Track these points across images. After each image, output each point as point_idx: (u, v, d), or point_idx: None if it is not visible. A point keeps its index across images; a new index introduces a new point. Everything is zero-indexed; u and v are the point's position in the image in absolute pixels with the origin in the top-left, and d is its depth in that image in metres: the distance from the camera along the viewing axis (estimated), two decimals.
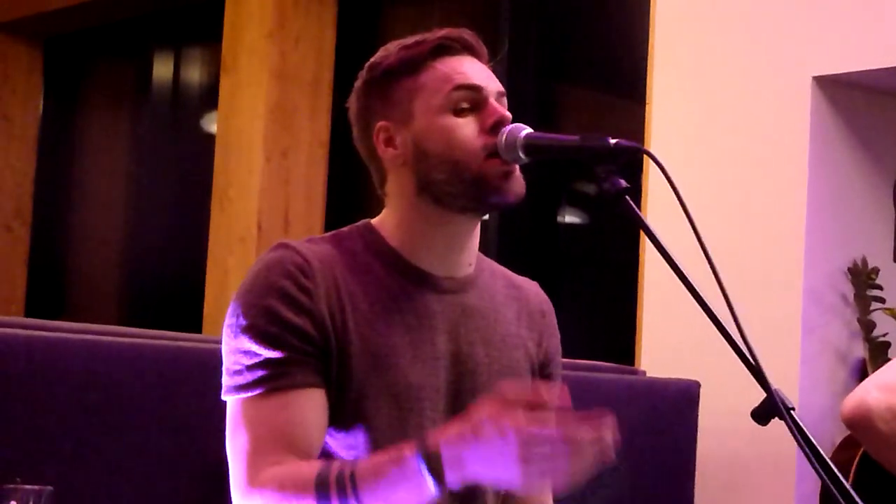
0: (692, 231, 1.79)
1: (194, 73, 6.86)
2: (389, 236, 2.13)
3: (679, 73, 4.30)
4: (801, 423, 1.66)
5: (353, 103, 2.19)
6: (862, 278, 3.96)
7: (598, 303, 5.18)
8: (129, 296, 6.99)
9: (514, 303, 2.25)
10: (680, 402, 3.72)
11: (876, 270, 3.95)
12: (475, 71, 2.12)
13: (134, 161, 7.06)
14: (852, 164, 4.04)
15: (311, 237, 2.16)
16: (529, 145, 2.02)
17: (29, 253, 7.30)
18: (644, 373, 3.91)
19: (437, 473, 1.81)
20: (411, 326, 2.09)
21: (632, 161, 1.98)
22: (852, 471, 2.42)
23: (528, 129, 2.04)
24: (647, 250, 4.18)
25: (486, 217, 5.04)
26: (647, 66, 4.38)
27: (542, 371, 2.27)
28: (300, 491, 1.92)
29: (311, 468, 1.94)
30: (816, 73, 3.95)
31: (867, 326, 3.93)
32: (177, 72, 6.88)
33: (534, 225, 5.25)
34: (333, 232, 2.18)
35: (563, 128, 5.32)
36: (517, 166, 2.06)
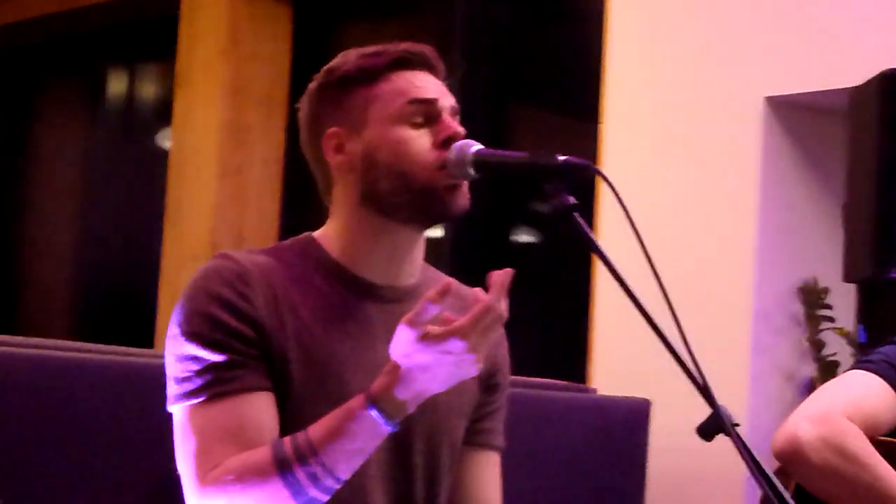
0: (641, 249, 1.78)
1: (148, 89, 6.84)
2: (331, 247, 2.14)
3: (631, 92, 4.32)
4: (745, 440, 1.67)
5: (304, 106, 2.19)
6: (812, 298, 3.98)
7: (550, 321, 5.19)
8: (81, 310, 6.96)
9: (460, 313, 2.25)
10: (630, 420, 3.72)
11: (826, 290, 3.97)
12: (431, 86, 2.13)
13: (87, 176, 7.03)
14: (803, 184, 4.07)
15: (251, 249, 2.17)
16: (479, 161, 2.03)
17: None
18: (595, 391, 3.92)
19: (391, 411, 1.91)
20: (352, 335, 2.09)
21: (583, 179, 1.99)
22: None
23: (478, 146, 2.05)
24: (599, 269, 4.20)
25: (441, 233, 5.10)
26: (599, 86, 4.40)
27: (488, 379, 2.27)
28: (261, 475, 1.94)
29: (264, 452, 1.96)
30: (768, 94, 3.98)
31: (817, 346, 3.95)
32: (131, 88, 6.86)
33: (487, 243, 5.25)
34: (274, 245, 2.20)
35: (516, 147, 5.32)
36: (465, 182, 2.07)
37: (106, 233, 6.78)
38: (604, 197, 4.27)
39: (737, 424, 1.70)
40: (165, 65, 6.25)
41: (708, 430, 1.71)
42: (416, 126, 2.09)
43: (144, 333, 5.71)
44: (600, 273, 4.20)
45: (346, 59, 2.16)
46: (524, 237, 5.34)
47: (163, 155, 6.04)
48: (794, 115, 4.02)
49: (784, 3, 3.98)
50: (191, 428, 2.01)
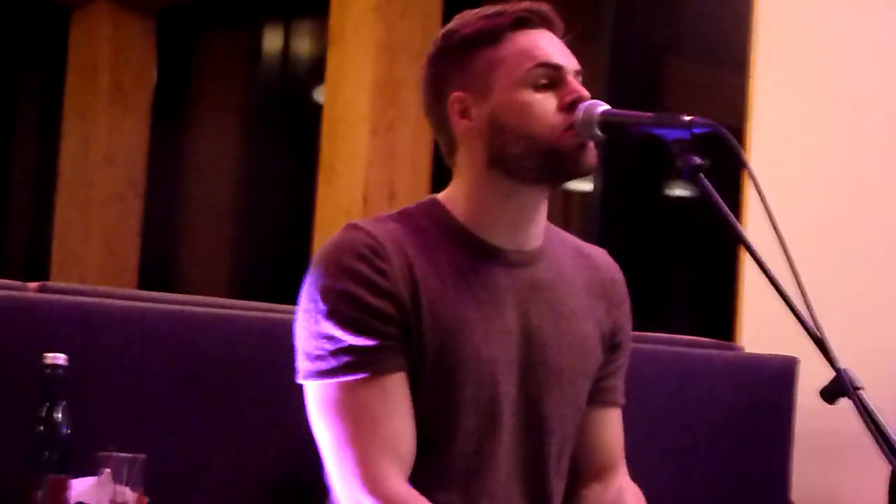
0: (775, 212, 1.77)
1: (303, 46, 6.91)
2: (457, 211, 2.15)
3: (782, 44, 4.25)
4: (868, 404, 1.65)
5: (425, 71, 2.20)
6: None
7: (700, 277, 5.16)
8: (239, 267, 7.08)
9: (584, 272, 2.26)
10: (778, 378, 3.69)
11: None
12: (555, 48, 2.13)
13: (244, 133, 7.14)
14: None
15: (378, 216, 2.17)
16: (605, 121, 2.03)
17: (141, 224, 7.41)
18: (742, 349, 3.89)
19: None
20: (482, 301, 2.10)
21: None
22: None
23: (605, 106, 2.05)
24: (750, 226, 4.15)
25: (590, 187, 5.08)
26: (749, 38, 4.34)
27: (611, 339, 2.28)
28: None
29: None
30: None
31: None
32: (286, 44, 6.94)
33: (637, 196, 5.23)
34: (400, 209, 2.19)
35: (669, 99, 5.29)
36: (591, 141, 2.07)
37: (262, 189, 6.89)
38: (753, 157, 4.23)
39: (860, 388, 1.68)
40: (320, 21, 6.31)
41: (831, 392, 1.70)
42: (542, 89, 2.09)
43: (299, 288, 5.79)
44: (750, 229, 4.15)
45: (465, 20, 2.17)
46: (675, 191, 5.30)
47: (318, 111, 6.11)
48: None
49: None
50: (335, 409, 2.04)
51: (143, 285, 7.16)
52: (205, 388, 2.62)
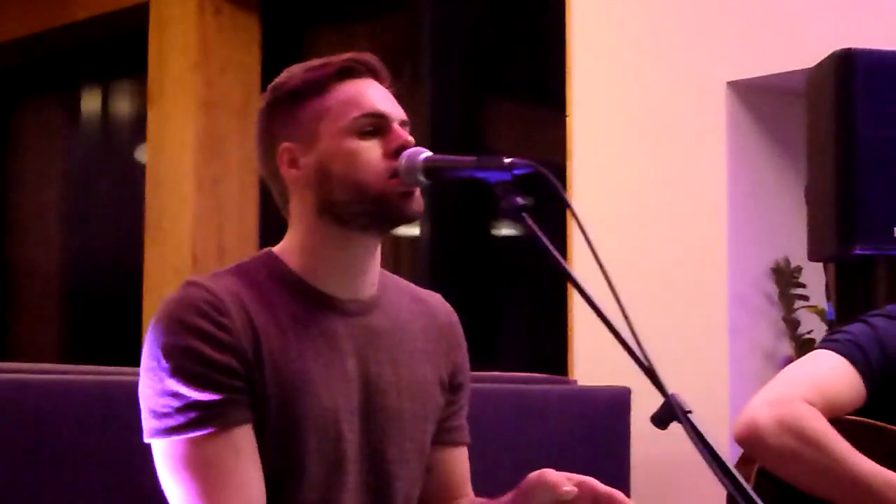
0: (588, 245, 1.81)
1: (123, 106, 6.86)
2: (292, 262, 2.16)
3: (596, 82, 4.36)
4: (698, 427, 1.69)
5: (256, 124, 2.22)
6: (785, 277, 4.02)
7: (531, 314, 5.23)
8: (68, 329, 6.98)
9: (420, 317, 2.28)
10: (612, 409, 3.75)
11: (799, 269, 4.00)
12: (379, 97, 2.15)
13: (67, 195, 7.05)
14: (769, 165, 4.11)
15: (215, 272, 2.16)
16: (429, 167, 2.06)
17: None
18: (576, 382, 3.95)
19: None
20: (322, 351, 2.11)
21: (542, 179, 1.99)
22: (751, 485, 2.45)
23: (427, 153, 2.07)
24: (576, 261, 4.23)
25: (418, 231, 5.12)
26: (566, 80, 4.44)
27: (451, 381, 2.31)
28: None
29: None
30: (730, 78, 4.02)
31: (793, 324, 3.99)
32: (105, 105, 6.88)
33: (466, 238, 5.28)
34: (236, 264, 2.19)
35: (492, 141, 5.36)
36: (417, 188, 2.10)
37: (90, 250, 6.81)
38: (577, 192, 4.32)
39: (689, 411, 1.72)
40: (139, 81, 6.28)
41: (662, 418, 1.74)
42: (367, 137, 2.11)
43: (130, 349, 5.73)
44: (577, 264, 4.23)
45: (292, 74, 2.19)
46: (503, 231, 5.37)
47: (141, 170, 6.06)
48: (756, 97, 4.06)
49: None
50: (184, 465, 2.02)
51: None
52: (44, 457, 2.58)
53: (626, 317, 1.76)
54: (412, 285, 2.35)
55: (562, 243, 4.19)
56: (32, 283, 7.20)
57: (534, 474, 2.03)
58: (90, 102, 6.95)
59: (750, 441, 2.42)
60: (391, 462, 2.17)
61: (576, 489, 1.98)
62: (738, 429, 2.43)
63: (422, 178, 2.07)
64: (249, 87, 5.77)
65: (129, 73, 6.61)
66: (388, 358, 2.18)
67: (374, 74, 2.19)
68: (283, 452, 2.07)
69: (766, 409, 2.41)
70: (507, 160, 1.94)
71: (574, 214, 1.84)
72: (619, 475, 3.73)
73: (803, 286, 4.01)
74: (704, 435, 1.71)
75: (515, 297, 5.32)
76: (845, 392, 2.46)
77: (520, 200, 1.91)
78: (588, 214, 4.19)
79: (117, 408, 2.66)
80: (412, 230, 5.22)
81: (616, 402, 3.74)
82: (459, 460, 2.36)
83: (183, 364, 2.01)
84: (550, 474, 2.01)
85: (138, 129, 6.32)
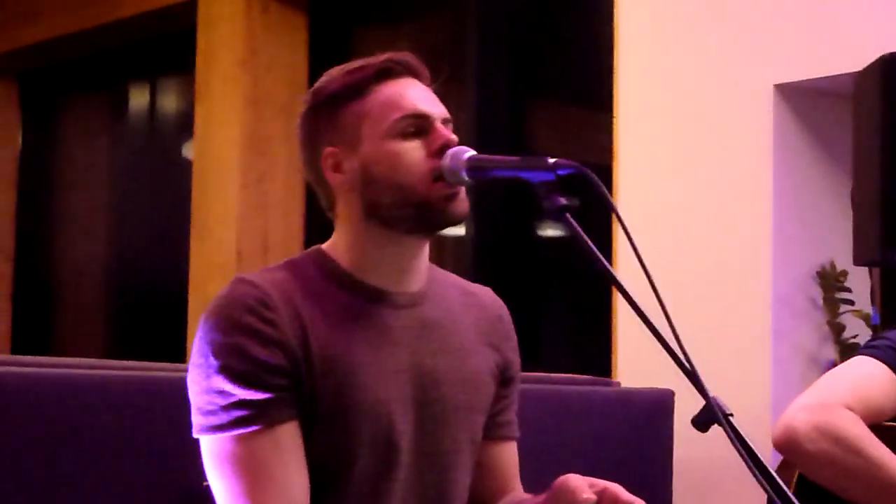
0: (630, 245, 1.82)
1: (170, 103, 6.91)
2: (341, 259, 2.17)
3: (643, 84, 4.35)
4: (739, 430, 1.70)
5: (299, 130, 2.23)
6: (830, 281, 4.00)
7: (576, 315, 5.22)
8: (114, 326, 7.03)
9: (471, 310, 2.29)
10: (655, 411, 3.75)
11: (844, 273, 3.98)
12: (420, 97, 2.16)
13: (114, 192, 7.10)
14: (815, 168, 4.09)
15: (266, 267, 2.18)
16: (472, 167, 2.06)
17: (13, 288, 7.33)
18: (619, 384, 3.95)
19: None
20: (373, 343, 2.12)
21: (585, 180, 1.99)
22: (791, 491, 2.46)
23: (471, 152, 2.08)
24: (620, 263, 4.23)
25: (463, 231, 5.13)
26: (612, 80, 4.43)
27: (503, 375, 2.32)
28: None
29: None
30: (777, 81, 4.00)
31: (837, 329, 3.97)
32: (152, 102, 6.93)
33: (510, 238, 5.29)
34: (287, 260, 2.21)
35: (537, 142, 5.37)
36: (462, 188, 2.10)
37: (136, 247, 6.85)
38: (623, 194, 4.32)
39: (730, 414, 1.73)
40: (186, 78, 6.31)
41: (703, 420, 1.74)
42: (410, 137, 2.12)
43: (176, 346, 5.77)
44: (621, 265, 4.23)
45: (331, 77, 2.20)
46: (548, 231, 5.37)
47: (188, 167, 6.10)
48: (803, 101, 4.04)
49: None
50: (229, 463, 2.04)
51: (16, 350, 7.08)
52: (90, 452, 2.60)
53: (668, 319, 1.76)
54: (461, 279, 2.36)
55: (607, 245, 4.18)
56: (79, 281, 7.25)
57: (561, 478, 2.04)
58: (137, 99, 7.00)
59: (787, 446, 2.42)
60: (445, 453, 2.19)
61: (594, 497, 1.98)
62: (775, 434, 2.43)
63: (466, 178, 2.07)
64: (296, 85, 5.79)
65: (177, 70, 6.65)
66: (439, 349, 2.19)
67: (414, 74, 2.20)
68: (335, 444, 2.08)
69: (803, 414, 2.41)
70: (551, 160, 1.95)
71: (617, 215, 1.85)
72: (661, 477, 3.73)
73: (848, 290, 3.98)
74: (745, 438, 1.71)
75: (559, 298, 5.32)
76: (884, 398, 2.46)
77: (562, 201, 1.92)
78: (633, 216, 4.23)
79: (162, 403, 2.68)
80: (457, 230, 5.23)
81: (659, 405, 3.73)
82: (509, 454, 2.37)
83: (230, 362, 2.03)
84: (573, 480, 2.02)
85: (185, 126, 6.36)
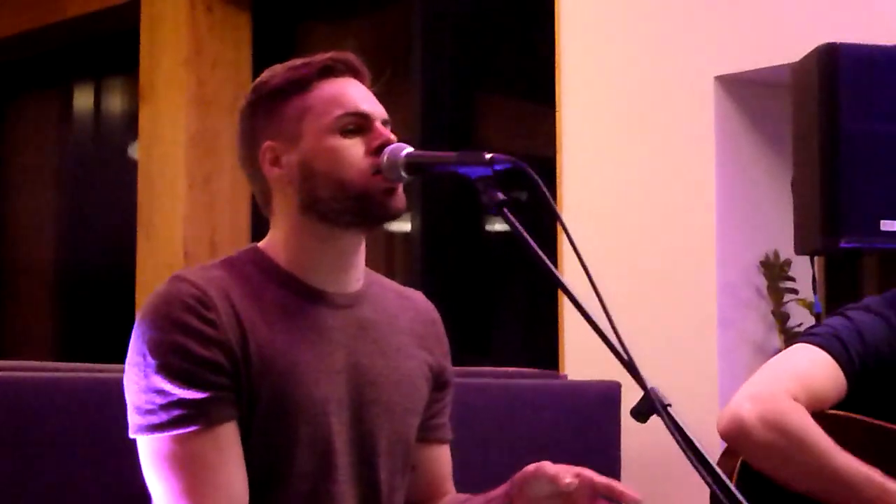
0: (567, 237, 1.83)
1: (115, 103, 6.87)
2: (278, 257, 2.18)
3: (586, 77, 4.38)
4: (677, 419, 1.71)
5: (238, 124, 2.23)
6: (774, 271, 4.03)
7: (523, 309, 5.24)
8: (62, 327, 6.99)
9: (406, 313, 2.31)
10: (602, 403, 3.76)
11: (788, 262, 4.01)
12: (361, 96, 2.17)
13: (60, 193, 7.06)
14: (757, 158, 4.12)
15: (203, 265, 2.18)
16: (410, 163, 2.08)
17: None
18: (566, 376, 3.96)
19: None
20: (311, 342, 2.13)
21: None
22: (734, 478, 2.48)
23: (409, 149, 2.09)
24: (566, 255, 4.24)
25: (410, 227, 5.13)
26: (555, 71, 4.45)
27: (436, 379, 2.33)
28: None
29: None
30: (718, 73, 4.03)
31: (782, 318, 4.01)
32: (97, 102, 6.89)
33: (458, 233, 5.30)
34: (224, 258, 2.20)
35: (483, 136, 5.38)
36: (400, 184, 2.11)
37: (83, 247, 6.82)
38: (567, 185, 4.34)
39: (668, 405, 1.74)
40: (130, 78, 6.29)
41: (641, 411, 1.76)
42: (350, 135, 2.13)
43: (124, 345, 5.74)
44: (565, 259, 4.25)
45: (275, 72, 2.21)
46: (495, 226, 5.38)
47: (134, 167, 6.08)
48: (744, 92, 4.07)
49: None
50: (168, 463, 2.04)
51: None
52: (33, 452, 2.59)
53: (605, 309, 1.78)
54: (395, 283, 2.37)
55: (552, 238, 4.20)
56: (26, 281, 7.21)
57: (530, 467, 2.05)
58: (82, 99, 6.96)
59: (733, 436, 2.44)
60: (380, 454, 2.19)
61: (576, 481, 2.00)
62: (721, 423, 2.45)
63: (404, 174, 2.09)
64: (241, 84, 5.77)
65: (121, 70, 6.62)
66: (376, 350, 2.20)
67: (355, 73, 2.22)
68: (273, 444, 2.09)
69: (748, 404, 2.42)
70: (488, 155, 1.96)
71: (552, 209, 1.86)
72: (609, 469, 3.74)
73: (792, 279, 4.02)
74: (683, 428, 1.73)
75: (507, 292, 5.33)
76: (827, 385, 2.48)
77: (500, 196, 1.93)
78: (578, 208, 4.25)
79: (110, 404, 2.65)
80: (404, 225, 5.24)
81: (606, 397, 3.74)
82: (443, 457, 2.38)
83: (168, 361, 2.02)
84: (549, 466, 2.03)
85: (130, 126, 6.33)
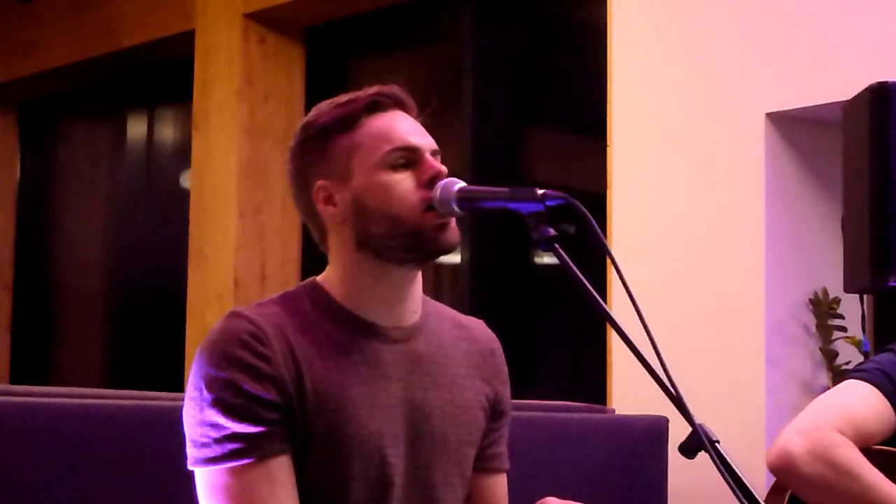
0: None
1: (167, 132, 6.93)
2: (335, 292, 2.19)
3: (637, 112, 4.39)
4: (725, 456, 1.72)
5: (289, 164, 2.25)
6: (823, 308, 4.02)
7: (571, 342, 5.24)
8: (112, 355, 7.04)
9: (463, 343, 2.31)
10: (650, 438, 3.76)
11: (837, 300, 4.01)
12: (410, 129, 2.18)
13: (112, 221, 7.13)
14: (808, 196, 4.12)
15: (260, 301, 2.20)
16: (463, 198, 2.09)
17: (11, 318, 7.35)
18: (613, 411, 3.96)
19: None
20: (365, 377, 2.14)
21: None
22: None
23: (461, 183, 2.10)
24: (615, 289, 4.25)
25: (459, 259, 5.15)
26: (606, 106, 4.47)
27: (493, 409, 2.34)
28: None
29: None
30: (769, 110, 4.04)
31: (830, 355, 4.00)
32: (150, 131, 6.96)
33: (507, 265, 5.31)
34: (281, 293, 2.22)
35: (532, 171, 5.39)
36: (452, 219, 2.13)
37: (134, 276, 6.87)
38: (616, 220, 4.35)
39: (717, 441, 1.75)
40: (184, 108, 6.35)
41: (689, 447, 1.76)
42: (400, 169, 2.14)
43: (174, 373, 5.78)
44: (615, 292, 4.26)
45: (321, 111, 2.22)
46: (543, 259, 5.39)
47: (185, 197, 6.13)
48: (794, 129, 4.08)
49: (779, 23, 4.04)
50: (221, 496, 2.07)
51: (14, 380, 7.09)
52: (82, 479, 2.62)
53: (654, 345, 1.79)
54: (454, 312, 2.38)
55: (601, 272, 4.21)
56: (77, 309, 7.27)
57: (539, 503, 2.06)
58: (136, 129, 7.02)
59: (782, 470, 2.45)
60: (436, 486, 2.21)
61: None
62: (770, 458, 2.46)
63: (456, 209, 2.10)
64: (293, 115, 5.82)
65: (174, 99, 6.68)
66: (431, 383, 2.21)
67: (402, 106, 2.22)
68: (328, 478, 2.10)
69: (797, 438, 2.43)
70: (540, 191, 1.97)
71: (603, 244, 1.87)
72: (657, 503, 3.74)
73: (841, 317, 4.01)
74: (731, 464, 1.73)
75: (555, 325, 5.34)
76: (875, 421, 2.49)
77: (551, 231, 1.94)
78: (628, 243, 4.26)
79: (158, 433, 2.70)
80: (453, 258, 5.25)
81: (653, 431, 3.74)
82: (499, 486, 2.39)
83: (223, 396, 2.05)
84: (550, 502, 2.05)
85: (183, 155, 6.39)
